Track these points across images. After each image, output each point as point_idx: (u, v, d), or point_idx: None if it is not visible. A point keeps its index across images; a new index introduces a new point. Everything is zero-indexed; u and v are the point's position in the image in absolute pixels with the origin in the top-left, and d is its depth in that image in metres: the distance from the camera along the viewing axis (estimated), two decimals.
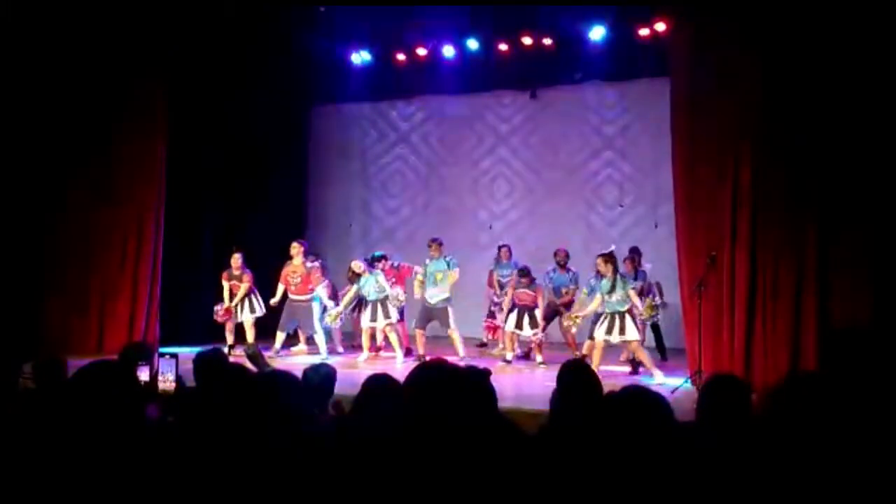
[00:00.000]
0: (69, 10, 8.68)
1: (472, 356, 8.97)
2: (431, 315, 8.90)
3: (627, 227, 10.67)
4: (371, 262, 9.10)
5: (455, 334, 8.81)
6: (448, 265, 8.88)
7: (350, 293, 9.25)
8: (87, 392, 2.23)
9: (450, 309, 8.82)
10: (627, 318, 7.69)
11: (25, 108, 8.76)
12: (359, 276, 9.08)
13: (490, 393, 2.59)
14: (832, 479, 1.99)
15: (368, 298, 9.01)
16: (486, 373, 2.85)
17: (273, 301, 9.30)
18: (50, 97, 8.86)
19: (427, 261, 9.00)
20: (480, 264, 10.12)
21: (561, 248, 9.35)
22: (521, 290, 8.86)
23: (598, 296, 7.85)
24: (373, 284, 8.95)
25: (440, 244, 9.08)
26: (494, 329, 9.39)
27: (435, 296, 8.84)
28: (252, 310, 9.40)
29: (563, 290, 9.16)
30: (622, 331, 7.67)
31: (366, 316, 9.05)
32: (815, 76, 6.90)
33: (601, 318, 7.89)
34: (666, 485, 1.90)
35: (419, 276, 9.01)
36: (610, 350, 8.08)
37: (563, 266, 9.25)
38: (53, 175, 8.98)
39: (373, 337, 9.23)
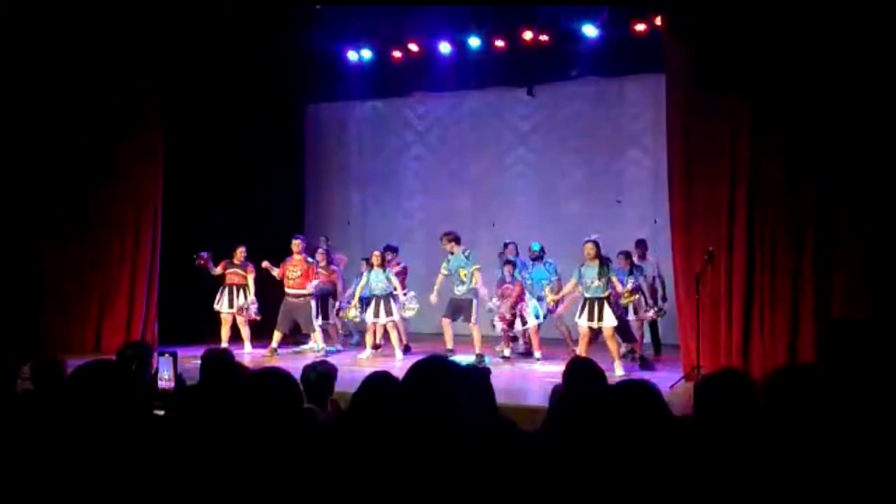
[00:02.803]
0: (67, 9, 8.65)
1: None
2: (459, 306, 8.80)
3: (626, 222, 10.65)
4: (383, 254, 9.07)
5: (476, 330, 8.76)
6: (469, 260, 8.76)
7: (361, 284, 9.19)
8: (85, 392, 2.23)
9: (475, 302, 8.76)
10: (606, 304, 7.80)
11: (23, 108, 8.75)
12: (372, 266, 9.01)
13: (489, 391, 2.60)
14: (829, 472, 1.99)
15: (374, 293, 8.97)
16: (485, 371, 2.86)
17: (265, 264, 9.18)
18: (47, 97, 8.85)
19: (450, 256, 8.84)
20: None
21: (535, 244, 9.29)
22: (506, 284, 8.87)
23: (573, 280, 8.01)
24: (382, 280, 8.92)
25: (453, 240, 8.83)
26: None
27: (461, 290, 8.74)
28: (240, 302, 9.25)
29: (545, 284, 9.10)
30: (600, 317, 7.76)
31: (370, 312, 9.03)
32: (813, 73, 6.90)
33: (583, 306, 7.94)
34: (664, 477, 1.91)
35: (443, 272, 8.88)
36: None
37: (536, 259, 9.20)
38: (51, 175, 8.97)
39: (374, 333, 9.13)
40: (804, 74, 6.93)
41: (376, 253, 9.09)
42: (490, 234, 11.03)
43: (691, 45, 7.47)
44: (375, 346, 9.29)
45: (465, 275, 8.74)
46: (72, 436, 2.14)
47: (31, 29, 8.61)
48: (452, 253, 8.82)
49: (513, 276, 8.83)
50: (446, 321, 8.81)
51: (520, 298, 8.74)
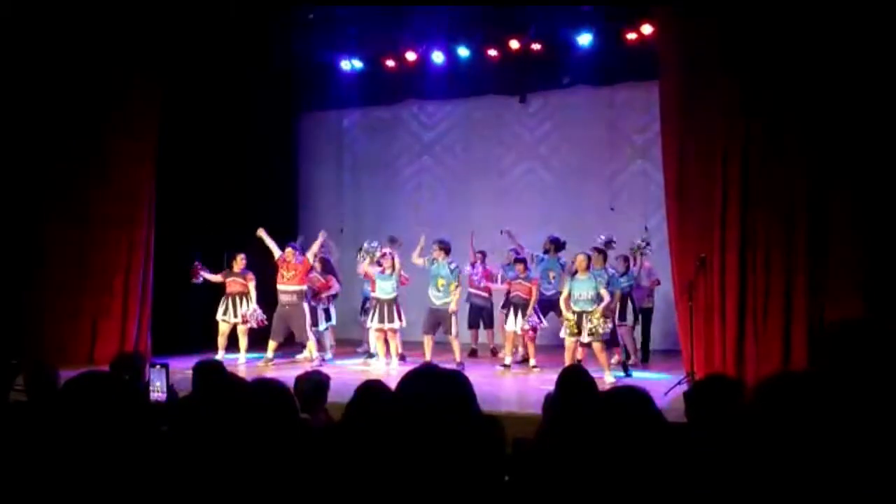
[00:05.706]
0: (66, 12, 8.62)
1: (469, 363, 8.92)
2: (438, 318, 8.79)
3: (620, 229, 10.63)
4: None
5: (455, 342, 8.76)
6: (452, 273, 8.73)
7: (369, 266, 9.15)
8: (78, 403, 2.22)
9: (454, 317, 8.76)
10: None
11: (19, 114, 8.73)
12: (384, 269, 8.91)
13: (471, 393, 2.59)
14: (826, 477, 2.00)
15: (380, 297, 8.87)
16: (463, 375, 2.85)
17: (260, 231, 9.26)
18: (45, 103, 8.82)
19: (435, 261, 8.83)
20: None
21: (552, 235, 9.31)
22: (517, 281, 8.83)
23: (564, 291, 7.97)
24: (392, 283, 8.85)
25: (443, 249, 8.82)
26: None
27: (439, 297, 8.75)
28: (243, 310, 9.27)
29: (551, 275, 9.07)
30: (589, 331, 7.71)
31: (374, 318, 8.93)
32: (806, 78, 6.91)
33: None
34: (656, 483, 1.91)
35: (425, 264, 8.85)
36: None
37: (547, 252, 9.21)
38: (44, 183, 8.93)
39: (386, 341, 8.98)
40: (797, 80, 6.95)
41: (392, 257, 8.95)
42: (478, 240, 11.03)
43: (685, 49, 7.49)
44: (370, 354, 9.25)
45: (441, 284, 8.73)
46: (65, 447, 2.14)
47: (31, 31, 8.57)
48: (437, 259, 8.81)
49: (528, 272, 8.80)
50: (428, 337, 8.77)
51: (529, 295, 8.72)
